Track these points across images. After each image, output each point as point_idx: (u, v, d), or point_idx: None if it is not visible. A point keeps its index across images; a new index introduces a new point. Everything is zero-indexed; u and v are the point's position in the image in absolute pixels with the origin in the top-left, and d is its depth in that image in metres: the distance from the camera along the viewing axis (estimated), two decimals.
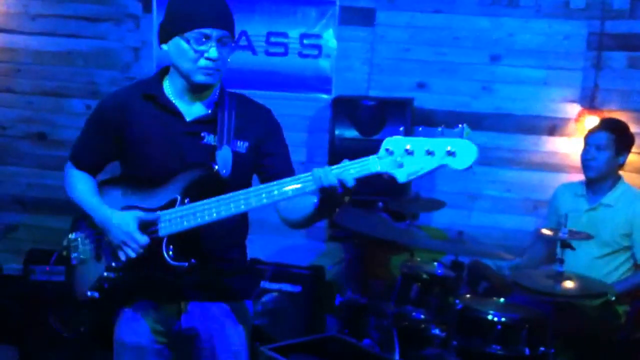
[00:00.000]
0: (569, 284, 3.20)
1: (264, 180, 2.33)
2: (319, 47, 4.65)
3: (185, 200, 2.23)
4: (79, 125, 4.93)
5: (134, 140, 2.32)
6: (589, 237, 3.42)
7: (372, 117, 4.31)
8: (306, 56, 4.67)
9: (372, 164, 1.99)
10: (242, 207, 2.13)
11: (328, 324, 4.36)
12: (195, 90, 2.32)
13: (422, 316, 3.60)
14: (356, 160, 2.02)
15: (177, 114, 2.31)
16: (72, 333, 2.45)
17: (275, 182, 2.11)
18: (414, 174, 1.94)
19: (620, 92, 4.32)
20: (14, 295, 4.17)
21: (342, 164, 2.04)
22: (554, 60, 4.42)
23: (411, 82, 4.60)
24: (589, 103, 4.35)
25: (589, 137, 3.80)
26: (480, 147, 4.88)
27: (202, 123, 2.32)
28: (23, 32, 4.85)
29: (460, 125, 1.95)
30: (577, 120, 4.36)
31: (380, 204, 3.77)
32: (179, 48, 2.24)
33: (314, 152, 4.63)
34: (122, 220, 2.24)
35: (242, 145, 2.33)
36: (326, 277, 4.49)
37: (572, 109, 4.40)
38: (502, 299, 3.55)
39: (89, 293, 2.36)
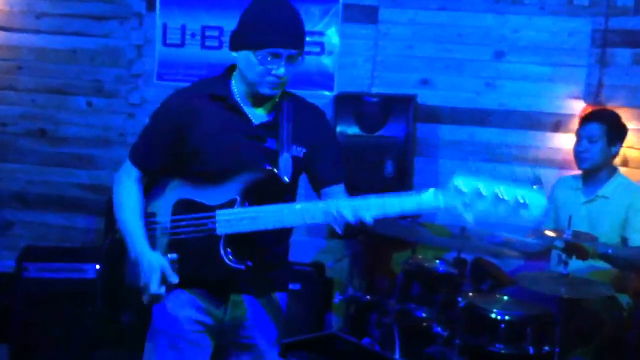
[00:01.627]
0: (573, 287, 3.17)
1: (314, 183, 2.43)
2: (321, 45, 4.65)
3: (245, 203, 2.27)
4: (81, 122, 4.94)
5: (198, 138, 2.32)
6: (593, 238, 3.41)
7: (374, 114, 4.29)
8: (308, 53, 4.62)
9: (440, 201, 2.03)
10: (306, 220, 2.20)
11: (328, 322, 4.33)
12: (259, 98, 2.35)
13: (425, 314, 3.58)
14: (423, 192, 2.05)
15: (244, 116, 2.35)
16: (118, 318, 2.48)
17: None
18: (484, 218, 1.96)
19: (624, 88, 4.29)
20: (5, 292, 4.13)
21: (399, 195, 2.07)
22: (558, 56, 4.40)
23: (415, 78, 4.58)
24: (594, 99, 4.32)
25: (581, 130, 3.77)
26: (485, 144, 4.86)
27: (266, 128, 2.36)
28: (27, 30, 4.84)
29: (533, 173, 1.95)
30: (581, 116, 4.27)
31: None
32: (248, 61, 2.27)
33: None
34: (150, 263, 2.27)
35: (300, 151, 2.37)
36: (326, 274, 4.47)
37: (577, 105, 4.37)
38: (505, 297, 3.52)
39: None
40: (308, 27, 4.56)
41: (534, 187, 1.92)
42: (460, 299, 3.41)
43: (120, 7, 4.78)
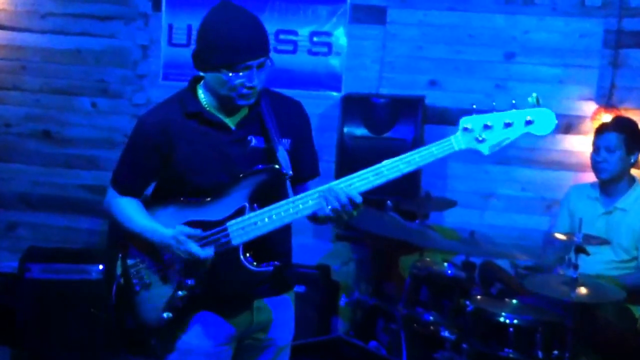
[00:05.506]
0: (583, 290, 3.12)
1: (295, 174, 2.37)
2: (329, 45, 4.63)
3: (254, 206, 2.26)
4: (85, 123, 4.95)
5: (182, 160, 2.31)
6: (605, 242, 3.38)
7: (382, 115, 4.26)
8: (316, 54, 4.65)
9: (454, 143, 2.14)
10: (318, 205, 2.19)
11: (334, 325, 4.30)
12: (235, 107, 2.33)
13: (432, 318, 3.53)
14: (436, 142, 2.15)
15: (223, 126, 2.33)
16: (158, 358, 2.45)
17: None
18: (498, 145, 2.12)
19: (637, 90, 4.26)
20: (8, 293, 4.11)
21: (415, 151, 2.16)
22: (570, 58, 4.37)
23: (423, 80, 4.55)
24: (606, 101, 4.29)
25: (599, 139, 3.73)
26: None
27: (246, 127, 2.34)
28: (32, 30, 4.84)
29: (533, 94, 2.10)
30: (593, 118, 4.28)
31: (389, 202, 3.70)
32: (219, 79, 2.25)
33: (323, 150, 4.55)
34: (177, 239, 2.25)
35: (286, 143, 2.37)
36: (332, 277, 4.44)
37: (588, 107, 4.33)
38: (514, 300, 3.48)
39: (164, 315, 2.34)
40: (316, 27, 4.61)
41: (538, 105, 2.09)
42: (468, 303, 3.38)
43: (126, 8, 4.77)
